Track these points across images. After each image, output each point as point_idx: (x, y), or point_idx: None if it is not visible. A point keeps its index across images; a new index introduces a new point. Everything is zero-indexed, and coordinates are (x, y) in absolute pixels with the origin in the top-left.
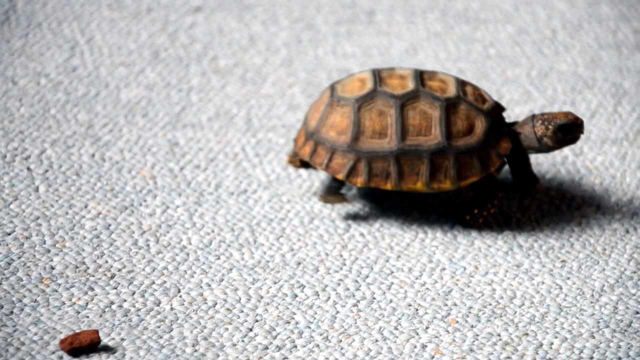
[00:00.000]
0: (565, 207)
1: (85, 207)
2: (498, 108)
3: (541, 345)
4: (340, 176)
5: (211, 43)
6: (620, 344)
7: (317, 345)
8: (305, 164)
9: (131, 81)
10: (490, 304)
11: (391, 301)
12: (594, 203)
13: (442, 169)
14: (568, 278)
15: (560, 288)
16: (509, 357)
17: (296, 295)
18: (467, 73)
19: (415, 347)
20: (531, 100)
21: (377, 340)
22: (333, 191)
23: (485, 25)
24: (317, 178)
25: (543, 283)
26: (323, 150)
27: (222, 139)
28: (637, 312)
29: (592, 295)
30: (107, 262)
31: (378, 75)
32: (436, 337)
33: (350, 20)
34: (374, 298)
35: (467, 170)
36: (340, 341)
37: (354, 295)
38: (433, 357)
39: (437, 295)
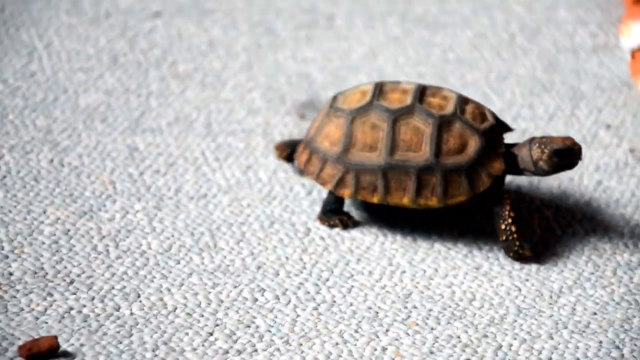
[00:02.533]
0: (525, 210)
1: (44, 212)
2: (498, 128)
3: (500, 346)
4: (329, 186)
5: (170, 48)
6: (578, 344)
7: (278, 349)
8: (290, 160)
9: (90, 86)
10: (450, 306)
11: (351, 304)
12: (553, 205)
13: (428, 185)
14: (527, 280)
15: (519, 290)
16: (468, 359)
17: (256, 299)
18: (427, 77)
19: (375, 349)
20: (490, 104)
21: (337, 344)
22: (333, 211)
23: (444, 30)
24: (277, 182)
25: (502, 285)
26: (316, 160)
27: (182, 143)
28: (595, 313)
29: (551, 297)
30: (66, 267)
31: (380, 89)
32: (396, 339)
33: (309, 24)
34: (335, 301)
35: (454, 188)
36: (301, 345)
37: (314, 299)
38: (393, 359)
39: (397, 298)
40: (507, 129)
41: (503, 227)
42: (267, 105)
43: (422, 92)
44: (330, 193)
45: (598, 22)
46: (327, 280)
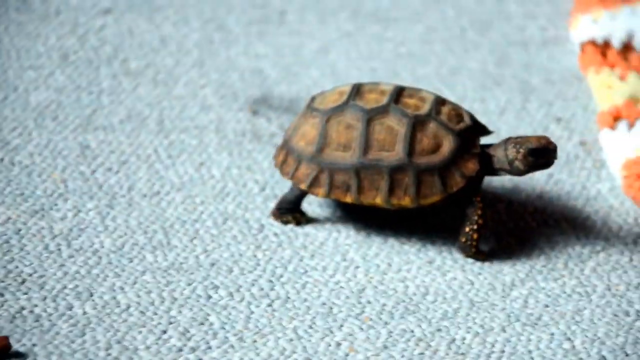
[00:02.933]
0: None
1: None
2: (474, 129)
3: (454, 340)
4: (303, 186)
5: (122, 45)
6: (530, 337)
7: (232, 346)
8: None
9: (40, 84)
10: (404, 301)
11: (305, 300)
12: (505, 199)
13: (401, 185)
14: (479, 273)
15: (472, 283)
16: (422, 353)
17: (210, 297)
18: (379, 72)
19: (329, 345)
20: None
21: (291, 340)
22: (289, 208)
23: (395, 24)
24: (231, 179)
25: (455, 279)
26: (292, 160)
27: (134, 141)
28: (547, 306)
29: (503, 290)
30: (17, 267)
31: (358, 89)
32: (350, 334)
33: (261, 20)
34: (289, 297)
35: (427, 188)
36: (255, 341)
37: (268, 295)
38: (347, 354)
39: (351, 293)
40: (485, 131)
41: (467, 229)
42: (220, 102)
43: (399, 93)
44: (291, 191)
45: (548, 15)
46: (281, 276)
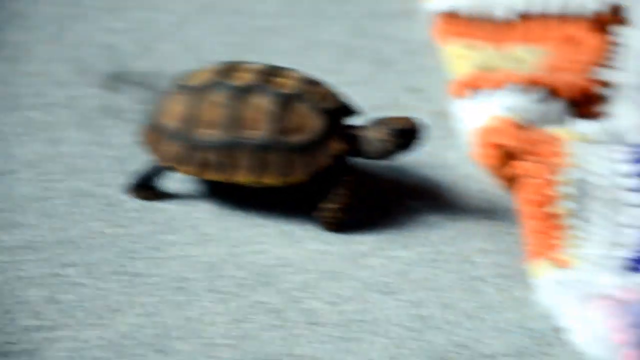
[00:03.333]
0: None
1: None
2: (342, 110)
3: (309, 310)
4: (171, 163)
5: None
6: (385, 305)
7: (85, 324)
8: None
9: None
10: (259, 273)
11: (160, 275)
12: (360, 168)
13: (267, 164)
14: (334, 243)
15: (327, 253)
16: (278, 324)
17: (62, 274)
18: (236, 46)
19: (184, 319)
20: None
21: (148, 315)
22: (146, 184)
23: None
24: (85, 155)
25: (310, 249)
26: (160, 137)
27: None
28: (401, 274)
29: (359, 260)
30: None
31: (228, 68)
32: (206, 308)
33: None
34: (143, 273)
35: (292, 167)
36: (111, 318)
37: (122, 271)
38: (203, 328)
39: (206, 267)
40: (354, 111)
41: (329, 207)
42: (74, 78)
43: (269, 72)
44: (150, 167)
45: None
46: (135, 252)
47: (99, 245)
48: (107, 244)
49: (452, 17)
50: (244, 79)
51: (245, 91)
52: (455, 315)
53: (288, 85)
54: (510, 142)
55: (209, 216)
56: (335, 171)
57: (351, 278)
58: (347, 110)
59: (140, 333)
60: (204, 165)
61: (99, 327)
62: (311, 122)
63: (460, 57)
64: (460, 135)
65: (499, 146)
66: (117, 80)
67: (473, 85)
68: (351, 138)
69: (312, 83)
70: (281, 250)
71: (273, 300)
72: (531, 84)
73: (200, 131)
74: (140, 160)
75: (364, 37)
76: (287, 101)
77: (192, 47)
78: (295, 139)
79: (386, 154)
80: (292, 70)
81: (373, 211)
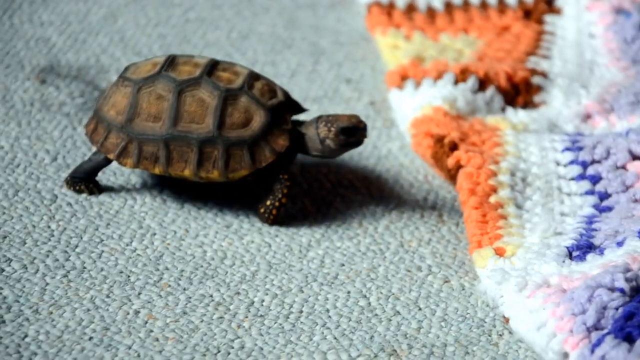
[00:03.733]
0: None
1: None
2: (286, 106)
3: (252, 302)
4: (112, 156)
5: None
6: (327, 296)
7: (27, 319)
8: None
9: None
10: (202, 266)
11: (102, 269)
12: (298, 160)
13: (210, 158)
14: (276, 236)
15: (270, 246)
16: (221, 317)
17: (3, 270)
18: (169, 38)
19: (128, 313)
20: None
21: (89, 310)
22: (83, 177)
23: None
24: (20, 149)
25: (252, 242)
26: (102, 129)
27: None
28: (343, 265)
29: (300, 251)
30: None
31: (172, 61)
32: (149, 302)
33: None
34: (85, 267)
35: (236, 162)
36: (51, 313)
37: (63, 266)
38: (146, 322)
39: (148, 261)
40: (299, 108)
41: (269, 203)
42: (6, 71)
43: (213, 66)
44: (89, 160)
45: None
46: (77, 246)
47: (41, 239)
48: (49, 239)
49: (387, 7)
50: (188, 72)
51: (188, 85)
52: (399, 306)
53: (232, 80)
54: (444, 131)
55: (148, 209)
56: (278, 167)
57: (293, 270)
58: (293, 106)
59: (84, 328)
60: (144, 159)
61: (41, 322)
62: (255, 118)
63: (396, 47)
64: (398, 125)
65: (433, 136)
66: (50, 73)
67: (409, 76)
68: (296, 135)
69: (256, 78)
70: (223, 243)
71: (217, 293)
72: (466, 74)
73: (141, 124)
74: (79, 154)
75: (297, 29)
76: (230, 96)
77: (124, 39)
78: (239, 134)
79: (330, 152)
80: (235, 64)
81: (313, 203)
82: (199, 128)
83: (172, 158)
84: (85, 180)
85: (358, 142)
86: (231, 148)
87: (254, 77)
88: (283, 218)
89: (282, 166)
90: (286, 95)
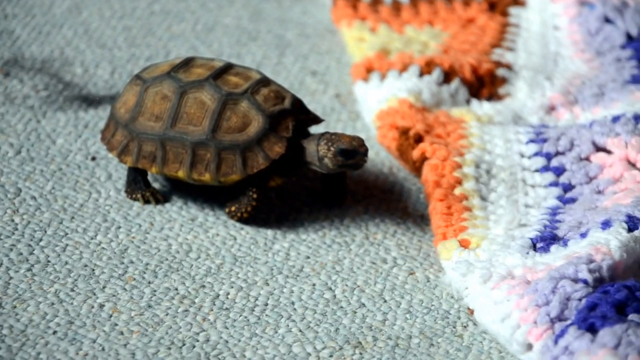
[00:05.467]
0: None
1: None
2: (291, 114)
3: (218, 296)
4: (114, 153)
5: None
6: (293, 288)
7: None
8: None
9: None
10: (167, 259)
11: (66, 263)
12: None
13: (203, 161)
14: (242, 229)
15: (235, 239)
16: (186, 310)
17: None
18: (134, 30)
19: (92, 307)
20: (198, 55)
21: (53, 304)
22: (135, 183)
23: None
24: None
25: (218, 235)
26: (112, 126)
27: None
28: (308, 257)
29: (265, 244)
30: None
31: (187, 63)
32: (114, 295)
33: None
34: (49, 261)
35: (227, 167)
36: (15, 307)
37: (27, 260)
38: (111, 315)
39: (113, 254)
40: (314, 119)
41: (240, 205)
42: None
43: (224, 70)
44: (130, 168)
45: None
46: (41, 240)
47: (5, 233)
48: (13, 232)
49: (352, 0)
50: (197, 74)
51: (192, 87)
52: (365, 298)
53: (239, 84)
54: (409, 124)
55: (113, 202)
56: (274, 174)
57: (259, 263)
58: (302, 116)
59: (48, 322)
60: (142, 157)
61: (4, 316)
62: (252, 123)
63: (361, 40)
64: (364, 117)
65: (398, 128)
66: (14, 66)
67: (374, 68)
68: (295, 145)
69: (265, 84)
70: (188, 236)
71: (182, 287)
72: (431, 66)
73: (144, 123)
74: (42, 147)
75: (262, 21)
76: (231, 100)
77: (89, 31)
78: (233, 138)
79: (327, 170)
80: (251, 70)
81: (278, 196)
82: (195, 130)
83: (168, 158)
84: (138, 187)
85: (356, 165)
86: (223, 152)
87: (262, 82)
88: (250, 219)
89: (280, 174)
90: (295, 104)
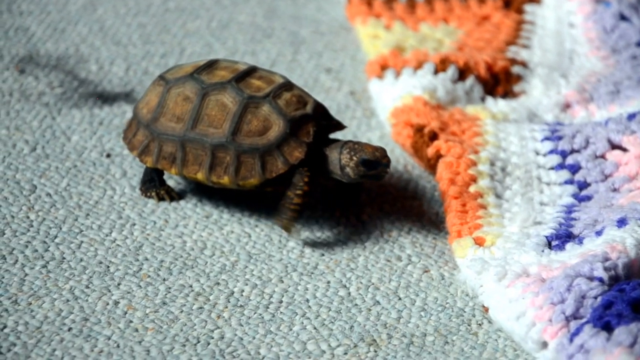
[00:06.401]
0: None
1: None
2: (313, 119)
3: (232, 293)
4: (135, 153)
5: None
6: (307, 286)
7: (6, 310)
8: None
9: None
10: (182, 256)
11: (81, 260)
12: None
13: (222, 164)
14: (256, 226)
15: (249, 236)
16: (201, 307)
17: None
18: (148, 27)
19: (107, 304)
20: (213, 52)
21: (68, 300)
22: (151, 181)
23: None
24: None
25: (232, 232)
26: (134, 126)
27: None
28: (323, 254)
29: (280, 241)
30: None
31: (211, 64)
32: (128, 292)
33: None
34: (64, 258)
35: (246, 170)
36: (30, 304)
37: (42, 257)
38: (126, 312)
39: (128, 251)
40: (337, 126)
41: (286, 207)
42: None
43: (248, 73)
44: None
45: None
46: (56, 237)
47: (20, 230)
48: (28, 229)
49: None
50: (220, 77)
51: (214, 89)
52: (379, 296)
53: (262, 88)
54: (424, 121)
55: (130, 200)
56: (290, 179)
57: (273, 260)
58: (325, 121)
59: (63, 318)
60: (163, 158)
61: (20, 313)
62: (273, 127)
63: (376, 37)
64: (378, 115)
65: (413, 125)
66: (30, 63)
67: (389, 66)
68: (317, 152)
69: (288, 88)
70: (203, 233)
71: (196, 284)
72: (446, 64)
73: (165, 123)
74: (57, 144)
75: (277, 18)
76: (252, 103)
77: (104, 28)
78: (252, 142)
79: (348, 179)
80: (275, 74)
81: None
82: (215, 132)
83: (188, 160)
84: (154, 185)
85: (378, 176)
86: (243, 155)
87: (285, 87)
88: (299, 226)
89: (296, 176)
90: (317, 109)
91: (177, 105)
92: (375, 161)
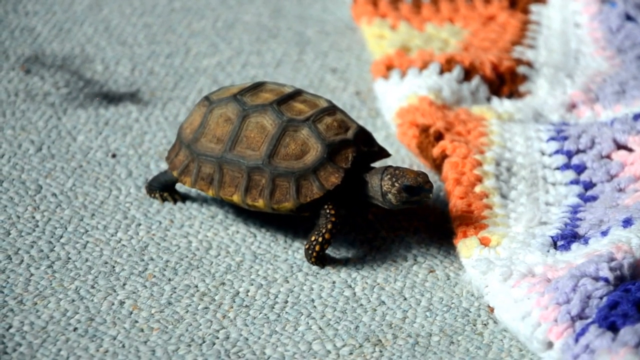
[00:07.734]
0: None
1: None
2: (354, 145)
3: (238, 293)
4: (175, 173)
5: None
6: (313, 286)
7: (11, 310)
8: None
9: None
10: (187, 256)
11: (87, 260)
12: None
13: (258, 186)
14: (262, 226)
15: (255, 236)
16: (206, 307)
17: None
18: (154, 27)
19: (113, 304)
20: (218, 52)
21: (73, 300)
22: (160, 185)
23: None
24: (4, 139)
25: (238, 232)
26: (177, 146)
27: None
28: (328, 254)
29: (285, 241)
30: None
31: (257, 86)
32: (134, 292)
33: None
34: (69, 258)
35: (281, 194)
36: (36, 304)
37: (48, 257)
38: (131, 312)
39: (133, 251)
40: (381, 154)
41: (313, 238)
42: None
43: (291, 96)
44: (164, 173)
45: None
46: (61, 237)
47: (25, 230)
48: (34, 229)
49: None
50: (263, 98)
51: (255, 110)
52: (385, 296)
53: (304, 111)
54: (430, 121)
55: (135, 200)
56: (326, 204)
57: (279, 260)
58: (366, 148)
59: (69, 319)
60: (201, 179)
61: (25, 313)
62: (310, 152)
63: (381, 37)
64: (384, 115)
65: (419, 126)
66: (35, 63)
67: (394, 66)
68: (356, 178)
69: (331, 113)
70: (208, 233)
71: (202, 284)
72: (452, 64)
73: (205, 144)
74: (62, 144)
75: (283, 18)
76: (291, 127)
77: (110, 28)
78: (289, 165)
79: (390, 205)
80: (323, 98)
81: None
82: (252, 155)
83: (225, 182)
84: (160, 190)
85: (420, 202)
86: (278, 178)
87: (328, 111)
88: (325, 262)
89: (331, 202)
90: (360, 135)
91: (218, 126)
92: (417, 187)
